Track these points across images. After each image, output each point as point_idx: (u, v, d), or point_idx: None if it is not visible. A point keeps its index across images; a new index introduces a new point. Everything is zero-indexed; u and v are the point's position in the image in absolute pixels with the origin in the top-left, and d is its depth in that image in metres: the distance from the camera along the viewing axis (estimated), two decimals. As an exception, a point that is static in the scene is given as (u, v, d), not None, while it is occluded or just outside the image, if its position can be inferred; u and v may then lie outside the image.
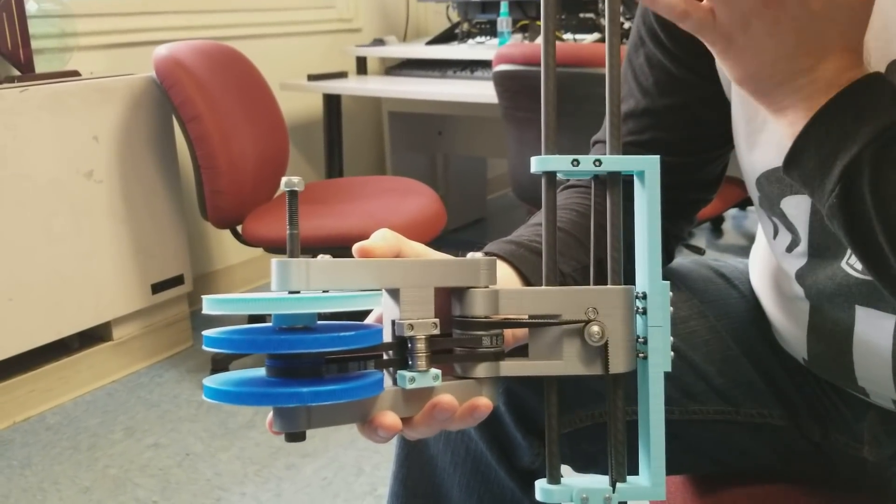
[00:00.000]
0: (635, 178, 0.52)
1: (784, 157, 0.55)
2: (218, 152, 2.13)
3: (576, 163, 0.51)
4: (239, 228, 2.25)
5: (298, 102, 3.09)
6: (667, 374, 0.50)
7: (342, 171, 3.07)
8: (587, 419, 0.78)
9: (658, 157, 0.51)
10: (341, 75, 3.03)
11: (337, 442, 1.91)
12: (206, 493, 1.75)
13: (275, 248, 2.18)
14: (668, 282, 0.50)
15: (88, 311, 2.17)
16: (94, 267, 2.16)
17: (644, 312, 0.50)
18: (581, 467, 0.80)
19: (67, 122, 2.07)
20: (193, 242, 2.64)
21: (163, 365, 2.37)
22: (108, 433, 2.01)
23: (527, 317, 0.52)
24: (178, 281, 2.40)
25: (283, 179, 0.45)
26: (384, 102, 3.35)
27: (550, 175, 0.52)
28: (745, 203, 3.46)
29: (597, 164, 0.51)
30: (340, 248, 2.08)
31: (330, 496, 1.73)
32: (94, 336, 2.26)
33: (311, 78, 2.92)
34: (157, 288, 2.34)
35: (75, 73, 2.17)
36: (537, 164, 0.51)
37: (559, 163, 0.51)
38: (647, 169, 0.51)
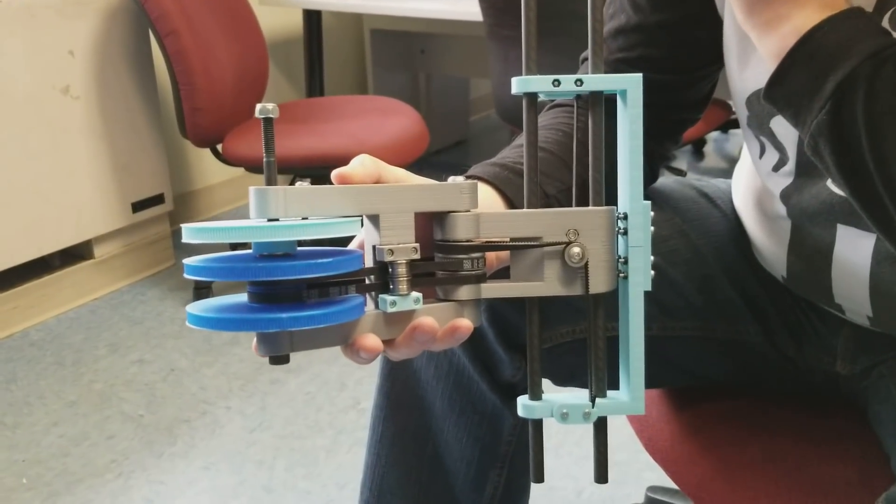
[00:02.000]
0: (618, 97, 0.51)
1: (771, 74, 0.55)
2: (196, 68, 2.09)
3: (557, 83, 0.50)
4: (219, 147, 2.23)
5: (278, 18, 3.02)
6: (647, 292, 0.51)
7: (323, 89, 3.02)
8: (567, 335, 0.79)
9: (640, 75, 0.50)
10: (322, -10, 2.96)
11: (320, 358, 1.94)
12: (191, 407, 1.78)
13: (256, 167, 2.16)
14: (649, 202, 0.50)
15: (69, 229, 2.16)
16: (73, 185, 2.14)
17: (625, 233, 0.51)
18: (561, 381, 0.82)
19: (42, 35, 2.02)
20: (173, 161, 2.61)
21: (145, 283, 2.37)
22: (92, 349, 2.03)
23: (508, 239, 0.52)
24: (158, 200, 2.38)
25: (258, 106, 0.45)
26: (366, 19, 3.28)
27: (531, 96, 0.52)
28: (727, 126, 3.45)
29: (578, 83, 0.50)
30: (322, 167, 2.07)
31: (314, 410, 1.77)
32: (75, 254, 2.25)
33: (291, -8, 2.85)
34: (138, 207, 2.33)
35: (48, -15, 2.11)
36: (518, 84, 0.51)
37: (540, 83, 0.50)
38: (629, 87, 0.50)
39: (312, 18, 2.93)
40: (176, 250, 2.49)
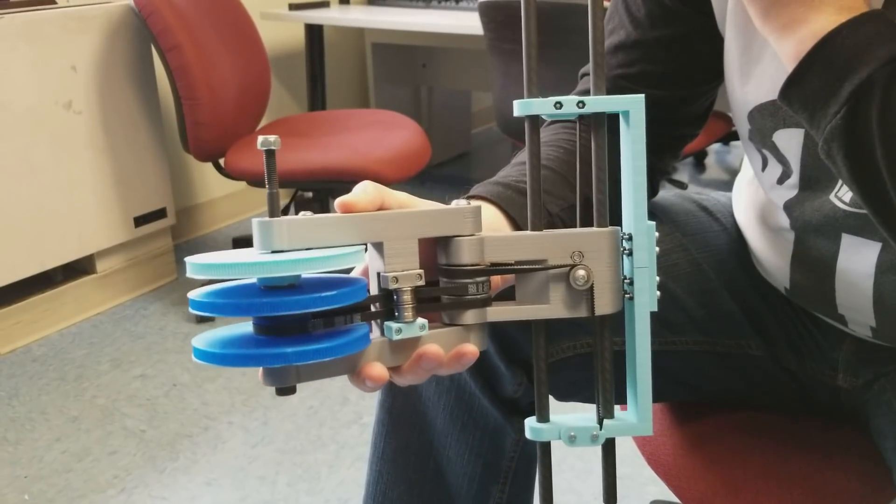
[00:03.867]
0: (620, 117, 0.51)
1: (786, 78, 0.55)
2: (198, 83, 2.10)
3: (558, 105, 0.50)
4: (221, 161, 2.23)
5: (280, 32, 3.03)
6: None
7: (325, 103, 3.03)
8: (569, 350, 0.79)
9: (642, 96, 0.50)
10: (323, 5, 2.97)
11: (322, 373, 1.94)
12: (193, 422, 1.78)
13: (258, 181, 2.16)
14: (654, 223, 0.50)
15: (71, 244, 2.16)
16: (75, 199, 2.15)
17: (630, 253, 0.51)
18: (562, 396, 0.82)
19: (45, 51, 2.03)
20: (176, 175, 2.62)
21: (147, 297, 2.38)
22: (94, 364, 2.03)
23: (513, 262, 0.52)
24: (160, 214, 2.39)
25: (260, 138, 0.45)
26: (367, 33, 3.29)
27: (533, 119, 0.52)
28: (728, 138, 3.46)
29: (580, 105, 0.50)
30: (324, 181, 2.07)
31: (316, 425, 1.76)
32: (77, 269, 2.26)
33: (293, 7, 2.86)
34: (140, 221, 2.33)
35: (52, 1, 2.12)
36: (519, 107, 0.51)
37: (542, 106, 0.50)
38: (631, 108, 0.50)
39: (314, 33, 2.95)
40: (178, 265, 2.49)
